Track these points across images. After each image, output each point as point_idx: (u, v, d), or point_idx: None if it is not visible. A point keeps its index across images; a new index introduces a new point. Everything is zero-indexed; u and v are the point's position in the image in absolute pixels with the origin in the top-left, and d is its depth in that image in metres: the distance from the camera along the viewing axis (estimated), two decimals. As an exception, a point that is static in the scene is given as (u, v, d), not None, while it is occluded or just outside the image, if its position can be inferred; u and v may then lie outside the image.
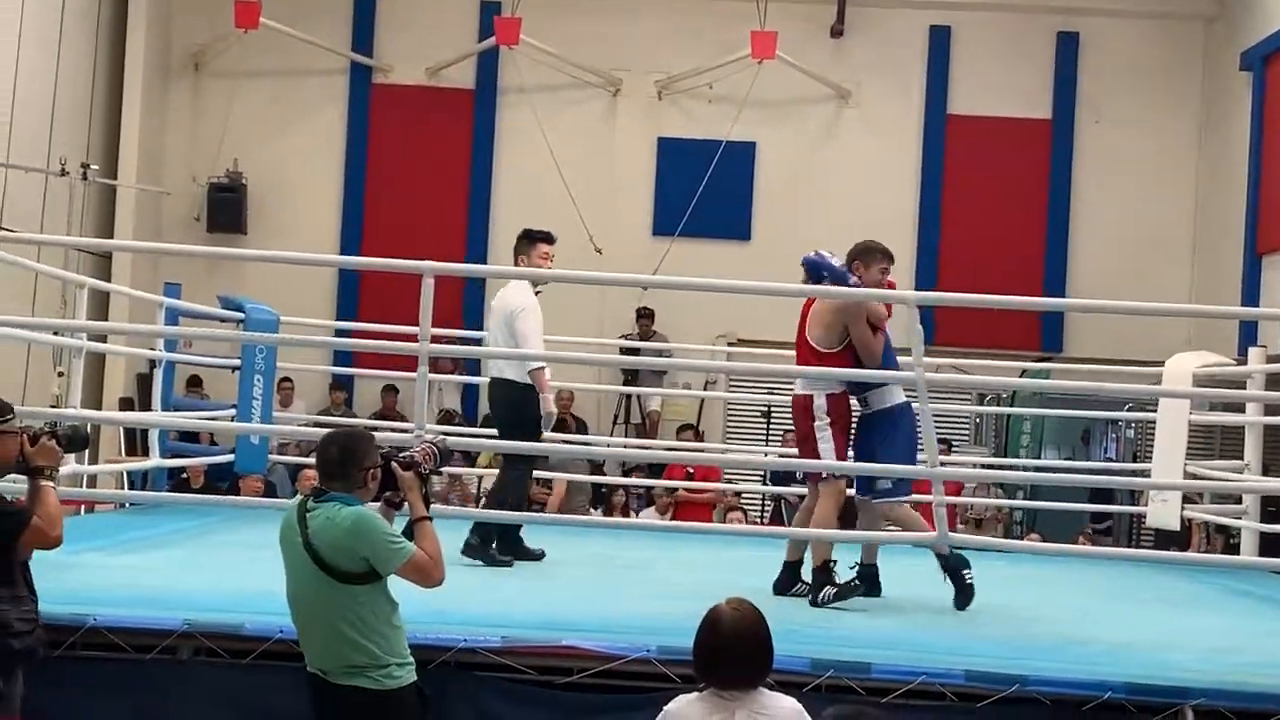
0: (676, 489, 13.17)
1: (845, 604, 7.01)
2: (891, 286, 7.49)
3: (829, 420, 7.22)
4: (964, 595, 7.27)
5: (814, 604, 7.04)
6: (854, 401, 7.48)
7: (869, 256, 7.43)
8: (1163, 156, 16.60)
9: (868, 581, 7.41)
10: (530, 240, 8.52)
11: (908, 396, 7.43)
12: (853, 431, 7.44)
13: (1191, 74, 16.66)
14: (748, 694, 4.20)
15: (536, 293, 8.49)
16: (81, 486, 10.07)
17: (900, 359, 7.66)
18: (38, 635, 4.98)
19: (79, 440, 5.47)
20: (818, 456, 7.26)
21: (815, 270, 7.41)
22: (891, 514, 7.48)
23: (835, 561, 7.20)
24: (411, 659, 4.88)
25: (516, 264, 8.59)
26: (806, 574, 7.34)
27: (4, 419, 5.03)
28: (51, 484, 5.10)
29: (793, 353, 7.76)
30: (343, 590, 4.71)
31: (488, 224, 16.70)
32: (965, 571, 7.28)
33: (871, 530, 7.47)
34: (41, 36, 14.20)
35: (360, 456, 4.88)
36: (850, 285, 7.32)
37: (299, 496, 4.98)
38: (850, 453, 7.40)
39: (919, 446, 7.40)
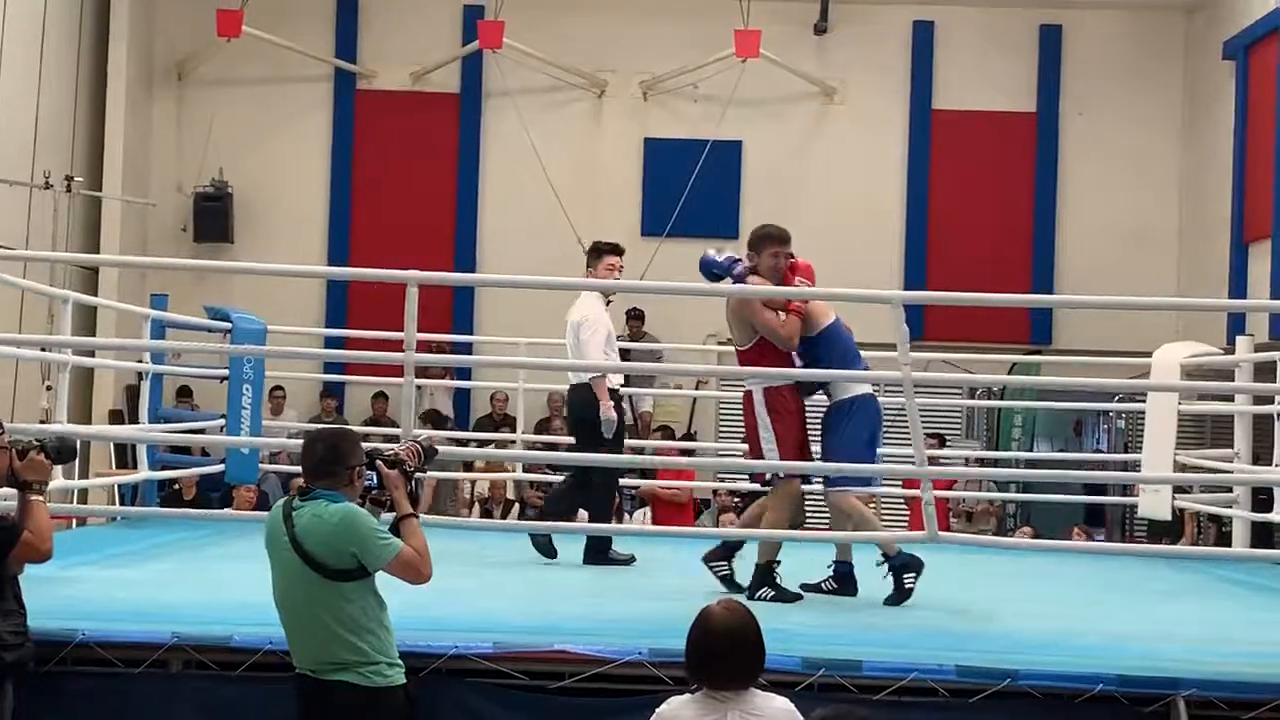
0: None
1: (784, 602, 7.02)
2: (793, 270, 7.28)
3: (770, 417, 7.15)
4: (898, 595, 7.17)
5: (750, 599, 7.00)
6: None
7: (760, 244, 7.33)
8: (1147, 147, 16.63)
9: (843, 580, 7.39)
10: (598, 252, 8.83)
11: (885, 389, 7.40)
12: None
13: (1174, 64, 16.69)
14: (740, 694, 4.21)
15: (607, 303, 8.83)
16: (72, 501, 10.05)
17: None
18: (27, 649, 4.97)
19: (67, 451, 5.46)
20: (760, 452, 7.20)
21: (706, 271, 7.37)
22: (840, 505, 7.36)
23: (779, 563, 7.19)
24: (401, 663, 4.88)
25: (587, 275, 8.94)
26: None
27: None
28: (41, 498, 5.09)
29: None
30: (332, 588, 4.72)
31: (475, 228, 16.70)
32: (909, 575, 7.17)
33: (847, 523, 7.39)
34: (23, 49, 14.17)
35: (346, 455, 4.90)
36: (737, 275, 7.22)
37: (284, 497, 4.97)
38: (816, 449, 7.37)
39: (880, 440, 7.44)
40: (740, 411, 7.50)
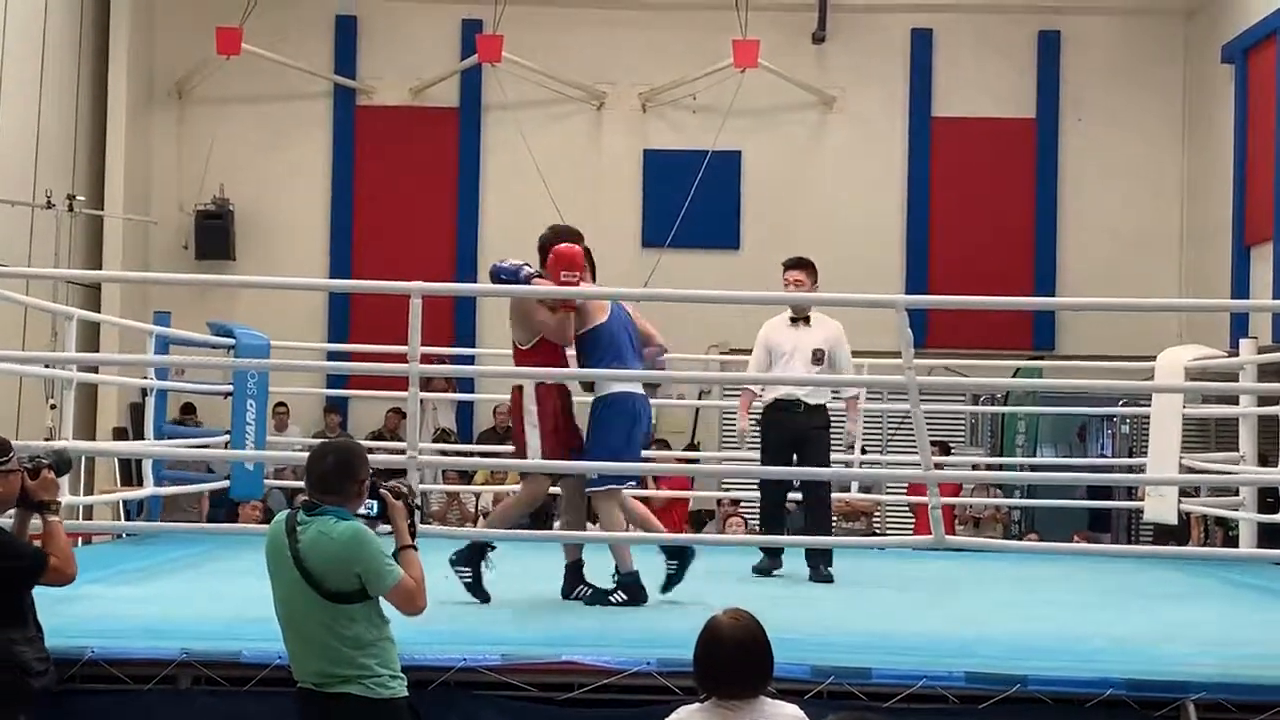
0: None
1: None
2: (557, 259, 7.21)
3: (536, 412, 7.09)
4: (596, 596, 7.09)
5: (566, 597, 7.04)
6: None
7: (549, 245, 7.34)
8: (1148, 151, 16.64)
9: (629, 590, 7.08)
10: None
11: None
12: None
13: (1173, 68, 16.72)
14: (750, 703, 4.20)
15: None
16: (78, 518, 10.04)
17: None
18: (51, 674, 4.94)
19: (65, 464, 5.45)
20: (524, 450, 7.13)
21: (494, 278, 7.38)
22: (606, 507, 7.20)
23: (583, 563, 7.18)
24: (403, 675, 4.86)
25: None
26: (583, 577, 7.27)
27: (4, 458, 5.00)
28: (59, 519, 5.08)
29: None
30: (333, 607, 4.68)
31: (476, 241, 16.72)
32: (623, 597, 7.03)
33: (612, 525, 7.18)
34: (23, 70, 14.20)
35: (355, 469, 4.86)
36: (523, 278, 7.22)
37: (286, 511, 4.94)
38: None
39: (642, 439, 7.46)
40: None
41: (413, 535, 4.93)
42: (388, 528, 4.94)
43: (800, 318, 8.64)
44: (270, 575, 4.85)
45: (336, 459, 4.89)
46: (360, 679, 4.69)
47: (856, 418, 9.28)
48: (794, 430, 8.51)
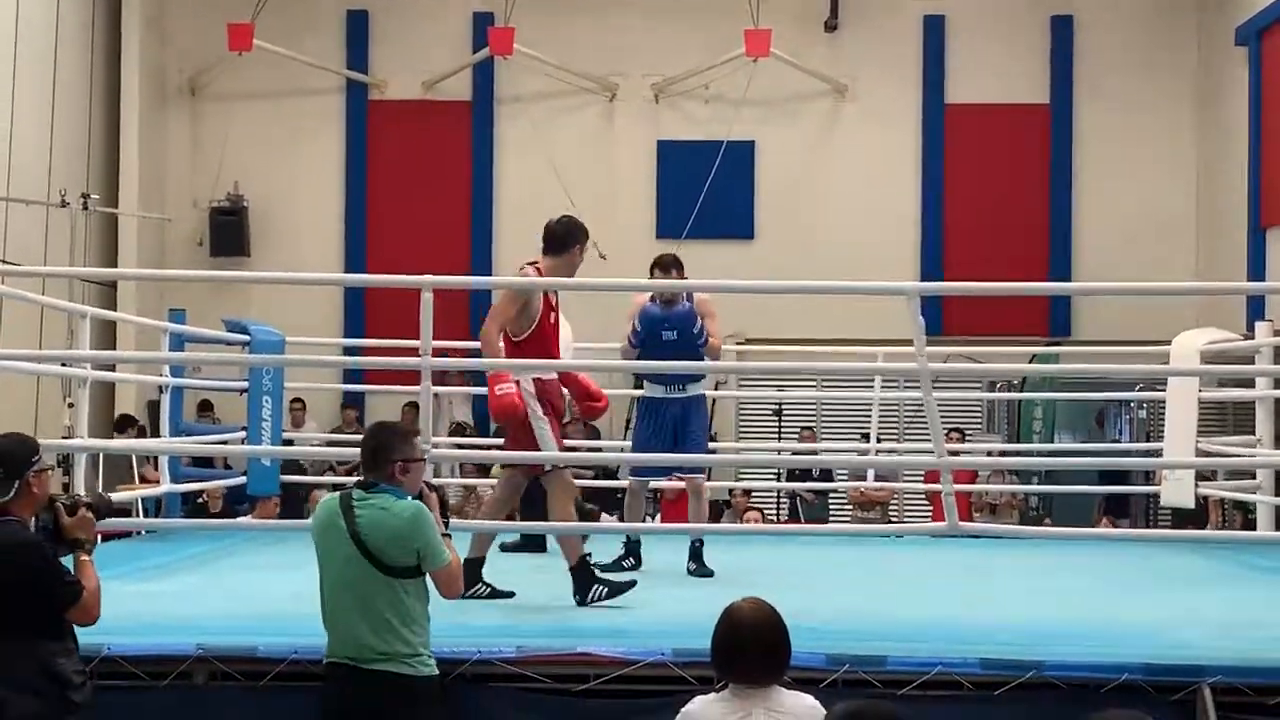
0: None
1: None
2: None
3: (540, 407, 7.08)
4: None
5: (583, 603, 6.85)
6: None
7: (570, 238, 7.40)
8: (1162, 135, 16.59)
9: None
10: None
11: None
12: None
13: (1187, 51, 16.65)
14: (766, 691, 4.20)
15: None
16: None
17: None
18: (89, 687, 4.92)
19: (104, 507, 5.42)
20: (529, 444, 7.09)
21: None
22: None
23: (590, 555, 7.11)
24: (433, 656, 5.00)
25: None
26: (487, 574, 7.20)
27: (36, 458, 5.00)
28: (90, 559, 5.07)
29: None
30: (391, 581, 4.85)
31: (490, 234, 16.73)
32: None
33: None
34: (36, 69, 14.24)
35: (389, 449, 5.01)
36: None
37: (338, 492, 5.06)
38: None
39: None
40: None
41: (445, 525, 5.12)
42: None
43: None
44: (319, 553, 4.98)
45: (374, 440, 5.10)
46: (402, 656, 4.85)
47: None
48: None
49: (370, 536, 4.84)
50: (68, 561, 4.99)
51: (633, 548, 8.30)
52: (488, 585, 7.08)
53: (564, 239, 7.35)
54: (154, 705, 5.59)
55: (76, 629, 4.99)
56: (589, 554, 7.11)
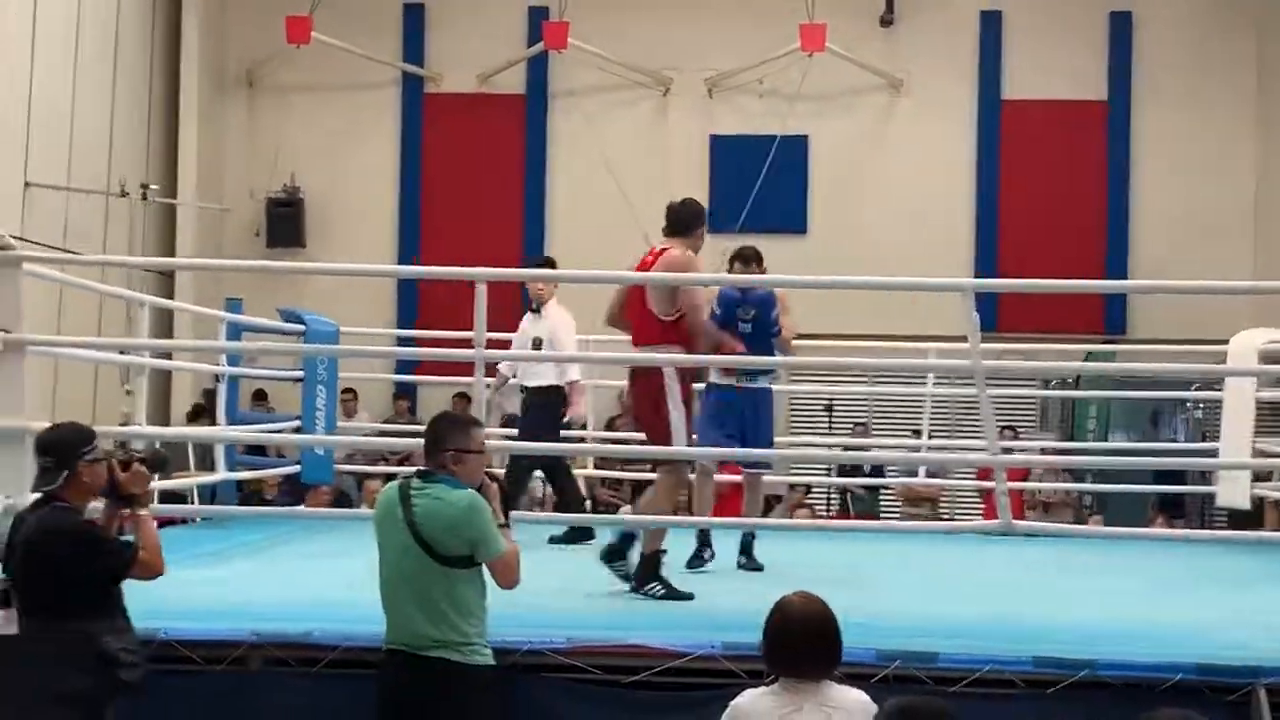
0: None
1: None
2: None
3: (680, 392, 7.10)
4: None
5: (635, 591, 6.94)
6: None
7: (695, 223, 7.50)
8: (1220, 133, 16.42)
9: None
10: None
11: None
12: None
13: (1246, 49, 16.47)
14: (816, 685, 4.20)
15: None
16: (153, 502, 10.16)
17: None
18: (142, 666, 4.98)
19: (161, 461, 5.51)
20: (667, 430, 7.05)
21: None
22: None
23: (665, 551, 7.11)
24: (489, 646, 5.01)
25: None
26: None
27: (91, 446, 5.06)
28: (147, 513, 5.14)
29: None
30: (446, 570, 4.86)
31: (543, 228, 16.75)
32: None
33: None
34: (97, 60, 14.37)
35: (443, 439, 5.04)
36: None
37: (398, 480, 5.07)
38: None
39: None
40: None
41: (506, 515, 5.12)
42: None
43: (534, 309, 9.62)
44: (378, 540, 5.00)
45: (431, 430, 5.13)
46: (457, 645, 4.87)
47: (578, 400, 9.72)
48: (524, 408, 9.73)
49: (425, 526, 4.87)
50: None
51: (705, 536, 8.30)
52: (664, 584, 7.01)
53: (689, 221, 7.42)
54: (208, 689, 5.65)
55: (130, 612, 5.05)
56: (665, 550, 7.12)
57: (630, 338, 7.35)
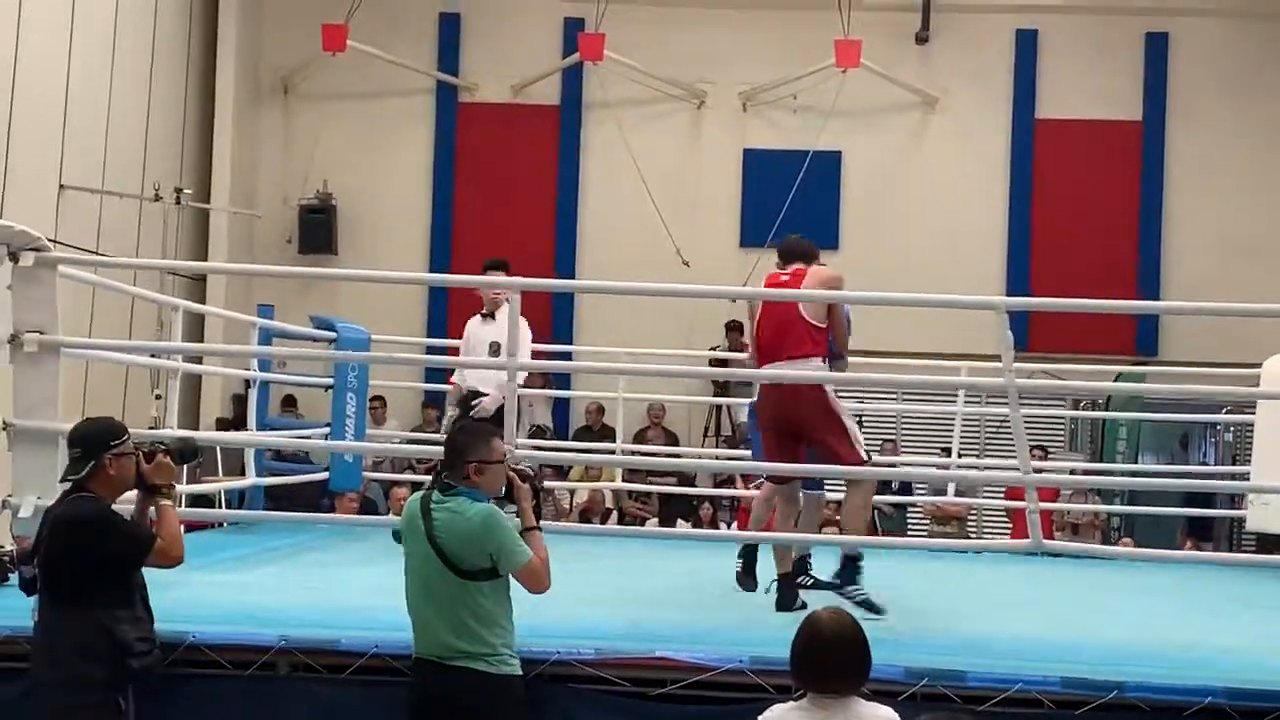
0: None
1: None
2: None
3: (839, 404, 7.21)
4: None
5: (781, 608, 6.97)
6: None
7: (813, 254, 7.60)
8: (1256, 155, 16.34)
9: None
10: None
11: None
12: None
13: (1283, 71, 16.40)
14: (844, 702, 4.19)
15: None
16: (181, 505, 10.19)
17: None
18: (154, 656, 5.02)
19: (189, 452, 5.56)
20: (833, 450, 7.09)
21: None
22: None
23: (810, 562, 7.18)
24: (518, 656, 5.02)
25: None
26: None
27: (120, 440, 5.10)
28: (171, 503, 5.18)
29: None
30: (468, 583, 4.87)
31: (575, 239, 16.77)
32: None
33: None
34: (134, 65, 14.45)
35: (464, 450, 5.05)
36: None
37: (420, 492, 5.08)
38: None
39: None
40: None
41: (537, 517, 5.13)
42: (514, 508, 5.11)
43: (488, 314, 9.71)
44: (405, 550, 5.03)
45: (451, 440, 5.16)
46: (483, 655, 4.89)
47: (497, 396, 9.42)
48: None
49: (444, 539, 4.88)
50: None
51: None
52: (803, 602, 6.99)
53: (809, 248, 7.59)
54: (236, 693, 5.65)
55: (156, 611, 5.08)
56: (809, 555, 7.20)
57: (752, 353, 7.53)
